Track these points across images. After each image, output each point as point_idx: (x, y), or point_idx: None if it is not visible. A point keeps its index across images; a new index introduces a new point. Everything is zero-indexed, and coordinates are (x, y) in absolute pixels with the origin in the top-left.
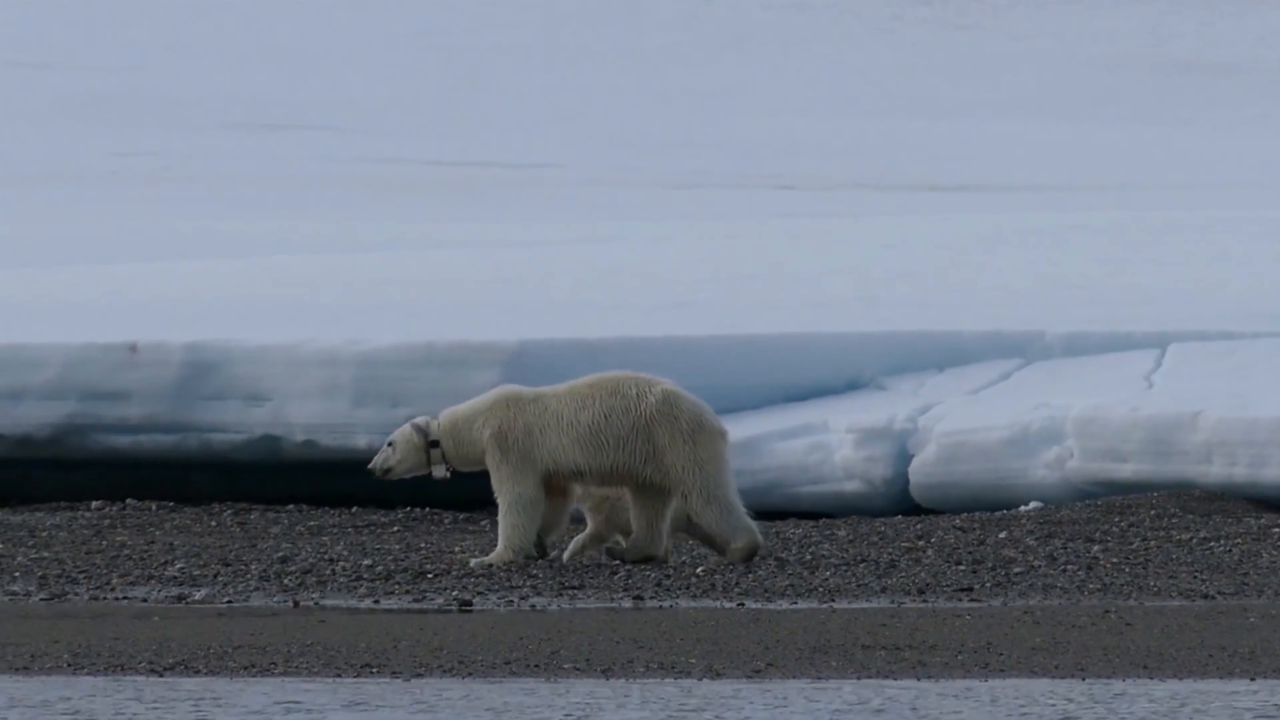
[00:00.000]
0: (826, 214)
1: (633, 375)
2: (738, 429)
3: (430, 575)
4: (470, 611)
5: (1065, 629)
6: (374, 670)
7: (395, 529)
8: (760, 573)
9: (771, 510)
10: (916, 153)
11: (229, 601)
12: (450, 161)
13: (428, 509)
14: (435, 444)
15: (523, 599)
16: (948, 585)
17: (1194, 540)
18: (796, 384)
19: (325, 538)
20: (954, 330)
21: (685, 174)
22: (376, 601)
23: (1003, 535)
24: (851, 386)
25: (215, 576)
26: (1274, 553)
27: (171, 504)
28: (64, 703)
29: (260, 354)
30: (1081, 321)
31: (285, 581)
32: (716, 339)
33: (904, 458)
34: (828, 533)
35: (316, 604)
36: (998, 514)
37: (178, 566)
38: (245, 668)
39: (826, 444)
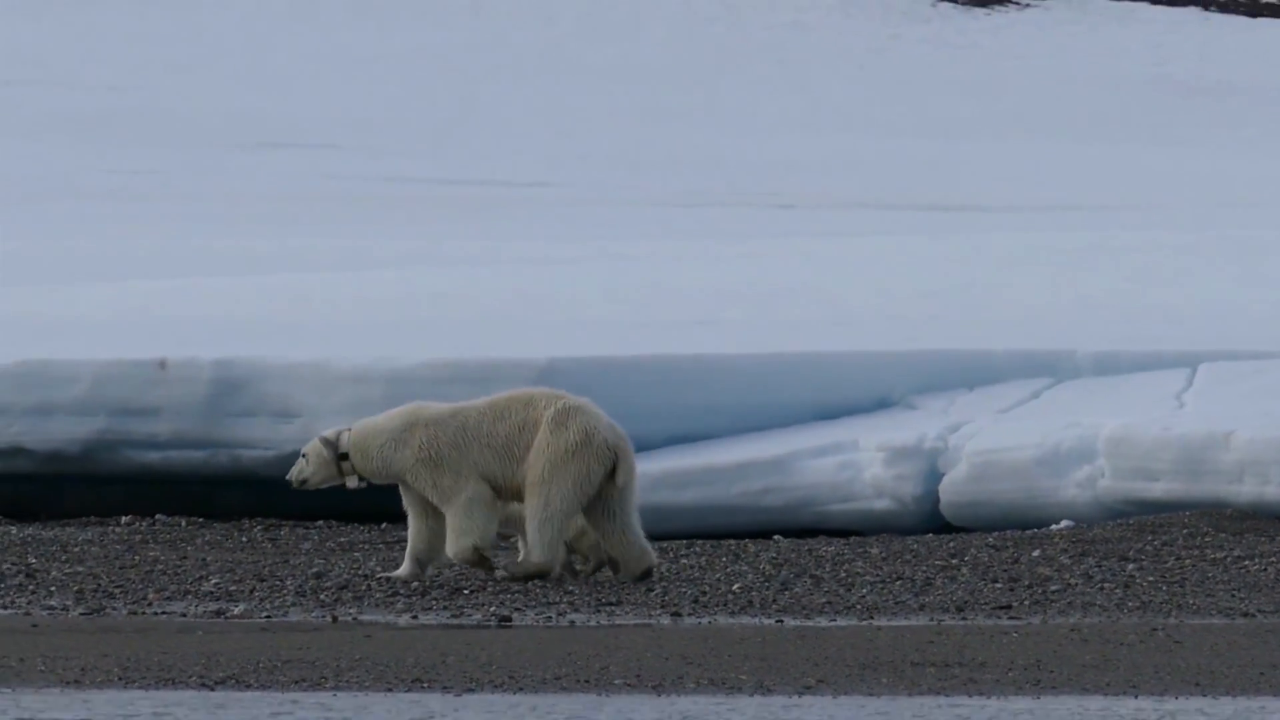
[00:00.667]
0: (834, 233)
1: (548, 390)
2: (768, 447)
3: (466, 591)
4: (509, 627)
5: (1114, 646)
6: (424, 685)
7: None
8: (797, 589)
9: (802, 528)
10: (915, 172)
11: (267, 616)
12: (449, 179)
13: None
14: (344, 456)
15: (560, 615)
16: (986, 603)
17: (1228, 559)
18: (827, 402)
19: (357, 553)
20: (984, 349)
21: (684, 192)
22: (415, 617)
23: (1036, 554)
24: (882, 405)
25: (251, 592)
26: None
27: (201, 520)
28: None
29: (290, 370)
30: (1110, 340)
31: (322, 597)
32: (746, 357)
33: (934, 476)
34: (860, 550)
35: (355, 619)
36: (1029, 532)
37: (213, 582)
38: (296, 682)
39: (857, 462)
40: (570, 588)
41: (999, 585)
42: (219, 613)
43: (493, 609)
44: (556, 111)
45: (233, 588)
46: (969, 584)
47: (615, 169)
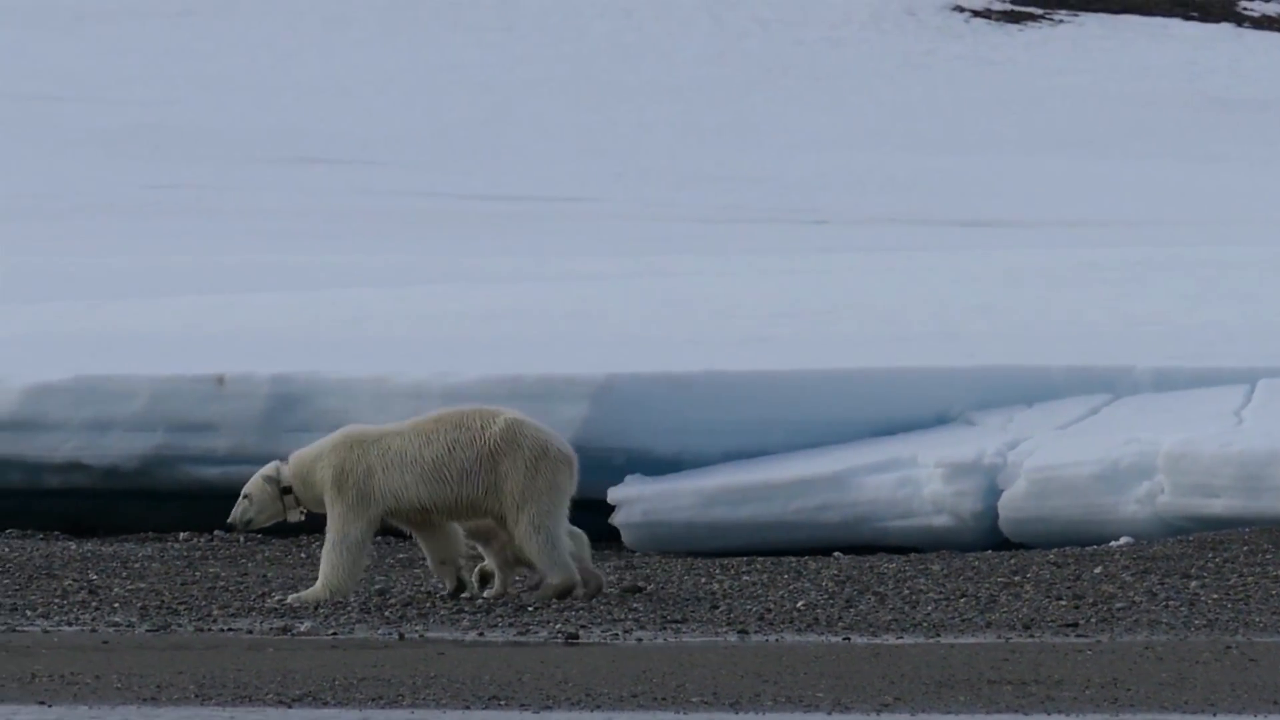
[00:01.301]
0: (873, 248)
1: (478, 408)
2: (826, 463)
3: (531, 608)
4: (576, 644)
5: (1189, 664)
6: (501, 703)
7: (484, 562)
8: (861, 606)
9: (861, 544)
10: (949, 187)
11: (334, 633)
12: (484, 195)
13: None
14: (288, 490)
15: (626, 632)
16: (1052, 620)
17: None
18: (884, 419)
19: (418, 570)
20: (1041, 365)
21: (718, 208)
22: (481, 634)
23: (1098, 570)
24: (940, 421)
25: (315, 609)
26: None
27: (260, 536)
28: None
29: (347, 386)
30: (1166, 357)
31: (387, 614)
32: (803, 373)
33: (993, 492)
34: (921, 567)
35: (421, 636)
36: (1090, 549)
37: (276, 598)
38: (373, 699)
39: (915, 478)
40: (634, 605)
41: (1063, 603)
42: (285, 629)
43: (558, 626)
44: (590, 128)
45: (296, 604)
46: (1034, 601)
47: (649, 184)
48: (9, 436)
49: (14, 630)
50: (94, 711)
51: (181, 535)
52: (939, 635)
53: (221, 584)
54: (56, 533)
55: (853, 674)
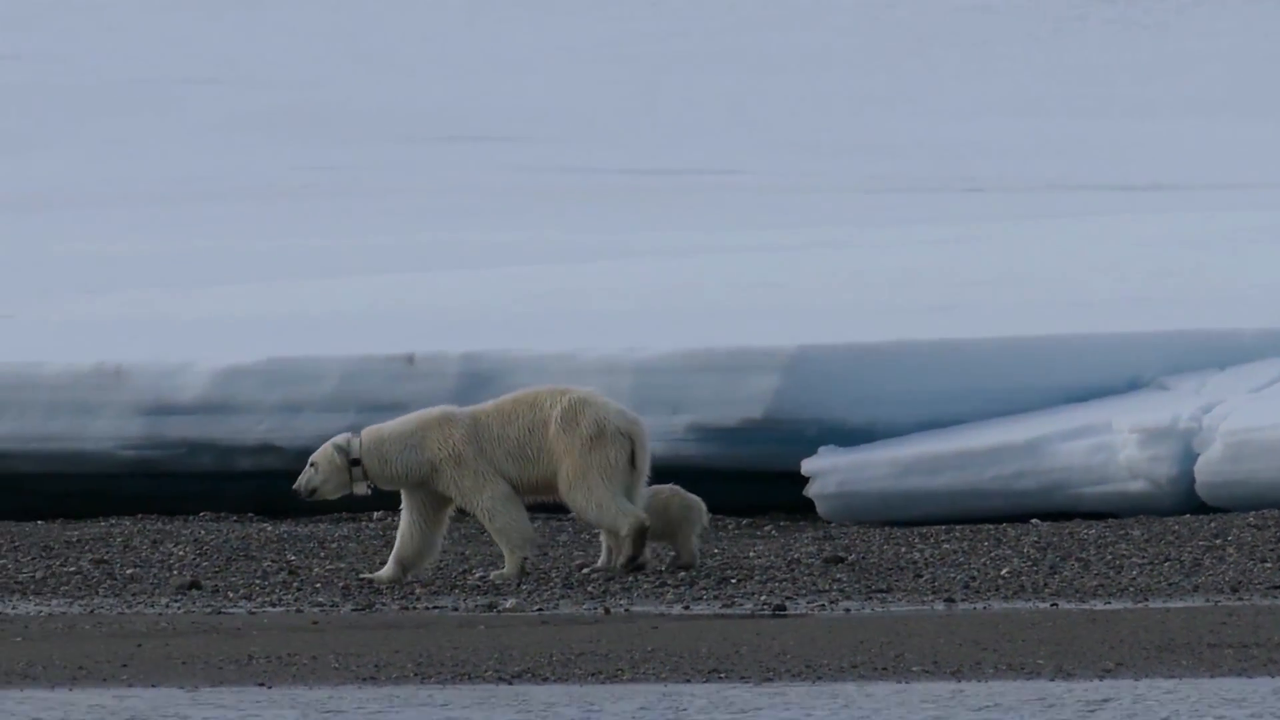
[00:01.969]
0: (1035, 215)
1: (553, 388)
2: (1019, 431)
3: (734, 580)
4: (785, 616)
5: None
6: (722, 675)
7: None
8: (1065, 573)
9: (1056, 511)
10: (1103, 153)
11: (539, 610)
12: (635, 170)
13: (714, 515)
14: (357, 462)
15: (832, 603)
16: (1259, 583)
17: None
18: (1077, 385)
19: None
20: (1233, 328)
21: (870, 178)
22: (686, 607)
23: None
24: (1132, 386)
25: (519, 585)
26: None
27: (455, 513)
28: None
29: (538, 363)
30: None
31: (590, 589)
32: (993, 341)
33: (1189, 457)
34: (1121, 532)
35: (627, 611)
36: None
37: (477, 575)
38: (593, 674)
39: (1110, 444)
40: (838, 575)
41: (1269, 565)
42: (490, 606)
43: (763, 598)
44: (740, 100)
45: (498, 581)
46: (1238, 564)
47: (803, 156)
48: (200, 420)
49: (220, 612)
50: (315, 692)
51: (375, 515)
52: (1147, 600)
53: None
54: (250, 514)
55: (1070, 640)
